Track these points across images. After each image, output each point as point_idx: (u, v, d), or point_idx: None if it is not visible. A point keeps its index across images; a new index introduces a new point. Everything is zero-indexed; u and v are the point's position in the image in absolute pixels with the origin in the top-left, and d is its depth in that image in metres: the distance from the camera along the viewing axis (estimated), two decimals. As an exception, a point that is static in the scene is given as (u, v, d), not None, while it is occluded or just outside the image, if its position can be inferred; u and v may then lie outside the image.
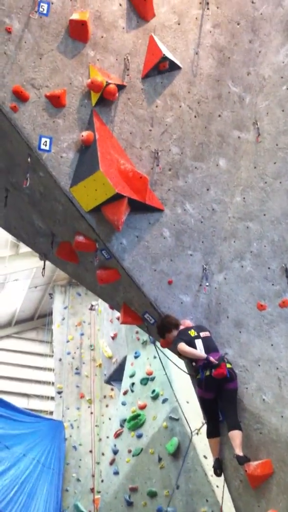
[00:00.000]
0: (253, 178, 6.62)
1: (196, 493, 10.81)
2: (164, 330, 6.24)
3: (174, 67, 6.81)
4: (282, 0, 7.08)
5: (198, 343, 5.93)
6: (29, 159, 6.16)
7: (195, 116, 6.79)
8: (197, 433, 6.96)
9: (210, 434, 6.04)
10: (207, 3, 7.08)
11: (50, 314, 22.45)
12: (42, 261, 7.80)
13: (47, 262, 7.85)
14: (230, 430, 5.64)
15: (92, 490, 16.65)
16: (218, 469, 5.90)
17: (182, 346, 5.87)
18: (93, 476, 16.63)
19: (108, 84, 6.36)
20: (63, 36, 6.52)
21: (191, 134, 6.73)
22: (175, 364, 7.21)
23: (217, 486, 10.13)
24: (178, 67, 6.84)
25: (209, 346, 5.94)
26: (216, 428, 5.98)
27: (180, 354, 6.08)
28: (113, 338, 16.10)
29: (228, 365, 5.78)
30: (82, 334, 20.45)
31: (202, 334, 6.02)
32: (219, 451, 5.96)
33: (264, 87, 6.92)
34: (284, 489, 5.33)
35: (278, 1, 7.10)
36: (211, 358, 5.72)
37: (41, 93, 6.25)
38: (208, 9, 7.07)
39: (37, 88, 6.25)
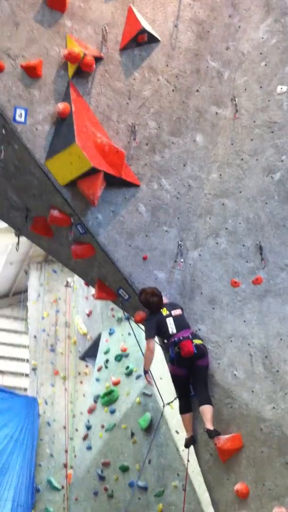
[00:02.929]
0: (230, 155, 6.60)
1: (168, 467, 10.97)
2: (143, 304, 6.21)
3: (152, 39, 6.71)
4: (263, -25, 7.00)
5: (170, 321, 5.98)
6: (3, 131, 6.05)
7: (173, 90, 6.72)
8: (169, 404, 7.03)
9: (182, 410, 6.10)
10: (187, -24, 6.98)
11: (25, 291, 22.28)
12: (17, 237, 7.72)
13: (23, 238, 7.77)
14: (201, 404, 5.70)
15: (65, 465, 16.74)
16: (188, 446, 6.07)
17: (149, 349, 6.02)
18: (66, 451, 16.70)
19: (85, 55, 6.24)
20: (40, 5, 6.37)
21: (169, 109, 6.67)
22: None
23: (188, 461, 10.28)
24: (157, 40, 6.74)
25: (180, 324, 5.98)
26: (188, 404, 6.05)
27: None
28: (88, 315, 16.11)
29: (199, 341, 5.81)
30: (57, 311, 20.37)
31: (173, 312, 6.06)
32: (192, 428, 6.02)
33: (242, 63, 6.86)
34: (253, 462, 5.42)
35: (259, -24, 7.02)
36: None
37: (17, 63, 6.11)
38: (188, -19, 6.97)
39: (13, 58, 6.11)
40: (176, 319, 6.00)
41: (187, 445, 6.10)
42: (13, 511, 15.40)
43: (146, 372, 6.17)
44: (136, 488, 11.48)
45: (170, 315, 6.02)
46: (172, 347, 5.85)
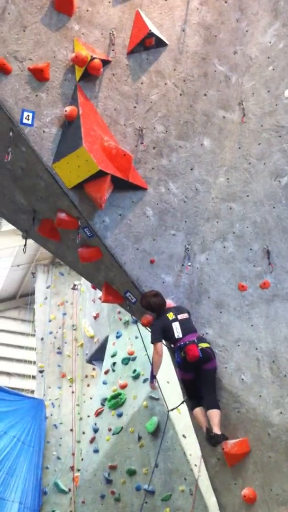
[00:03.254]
0: (237, 159, 6.59)
1: (175, 471, 10.93)
2: (146, 308, 6.23)
3: (160, 43, 6.72)
4: (271, -22, 6.99)
5: (176, 325, 5.96)
6: (10, 133, 6.06)
7: (181, 94, 6.72)
8: (176, 409, 6.99)
9: (194, 406, 5.96)
10: (195, -20, 6.97)
11: (33, 293, 22.32)
12: (25, 240, 7.73)
13: (30, 241, 7.78)
14: (209, 409, 5.68)
15: (72, 468, 16.73)
16: (210, 439, 5.64)
17: (156, 353, 5.97)
18: (73, 454, 16.70)
19: (92, 58, 6.26)
20: (48, 9, 6.39)
21: (176, 113, 6.67)
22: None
23: (195, 465, 10.25)
24: (164, 44, 6.75)
25: (187, 328, 5.96)
26: (199, 400, 5.92)
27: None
28: (95, 318, 16.09)
29: (205, 345, 5.79)
30: (64, 314, 20.39)
31: (179, 316, 6.03)
32: (207, 421, 5.82)
33: (250, 67, 6.86)
34: (260, 467, 5.40)
35: (266, -20, 7.01)
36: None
37: (24, 66, 6.13)
38: (195, -15, 6.97)
39: (20, 60, 6.13)
40: (182, 323, 5.98)
41: (214, 442, 5.62)
42: (20, 513, 15.40)
43: (153, 376, 6.08)
44: (143, 492, 11.47)
45: (176, 319, 5.99)
46: (178, 352, 5.83)
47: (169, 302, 6.27)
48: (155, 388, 6.16)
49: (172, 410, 6.82)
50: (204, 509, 10.21)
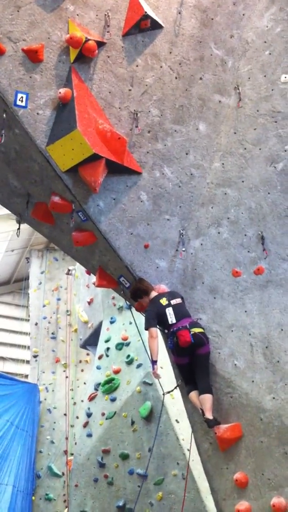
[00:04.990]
0: (233, 144, 6.55)
1: (168, 456, 11.01)
2: (136, 296, 6.23)
3: (156, 26, 6.63)
4: None
5: (169, 311, 5.94)
6: (4, 115, 6.00)
7: (176, 78, 6.65)
8: (170, 393, 6.98)
9: (190, 390, 5.93)
10: None
11: (27, 278, 22.34)
12: (18, 224, 7.68)
13: (24, 225, 7.73)
14: (201, 393, 5.68)
15: (65, 452, 16.85)
16: (211, 425, 5.60)
17: (151, 337, 5.91)
18: (66, 438, 16.81)
19: (87, 40, 6.17)
20: (42, -11, 6.29)
21: (172, 96, 6.60)
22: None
23: (188, 450, 10.31)
24: (160, 26, 6.66)
25: (180, 312, 5.94)
26: (195, 384, 5.89)
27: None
28: (89, 303, 16.10)
29: (198, 330, 5.78)
30: (58, 299, 20.42)
31: (173, 301, 6.00)
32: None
33: (247, 51, 6.80)
34: (252, 452, 5.42)
35: None
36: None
37: (18, 47, 6.04)
38: None
39: (14, 41, 6.04)
40: (176, 308, 5.95)
41: (211, 424, 5.58)
42: (13, 497, 15.51)
43: (154, 362, 5.89)
44: (136, 476, 11.55)
45: (169, 304, 5.97)
46: (171, 337, 5.82)
47: (163, 288, 6.26)
48: (158, 376, 6.00)
49: (168, 392, 6.77)
50: (196, 493, 10.29)
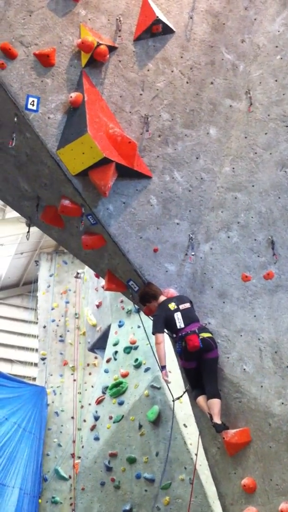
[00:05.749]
0: (243, 148, 6.54)
1: (175, 460, 10.99)
2: (144, 300, 6.23)
3: (167, 30, 6.64)
4: None
5: (178, 316, 5.93)
6: (15, 119, 6.03)
7: (187, 82, 6.66)
8: (179, 399, 6.97)
9: (198, 395, 5.91)
10: None
11: (36, 281, 22.37)
12: (28, 227, 7.70)
13: (34, 229, 7.76)
14: (210, 398, 5.67)
15: (72, 455, 16.85)
16: (219, 429, 5.58)
17: (157, 343, 5.93)
18: (74, 441, 16.82)
19: (99, 44, 6.19)
20: (54, -6, 6.32)
21: (182, 101, 6.61)
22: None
23: (196, 455, 10.29)
24: (172, 31, 6.68)
25: (189, 317, 5.93)
26: (202, 389, 5.88)
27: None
28: (97, 306, 16.11)
29: (207, 335, 5.77)
30: (67, 302, 20.45)
31: (181, 306, 6.00)
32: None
33: (258, 55, 6.80)
34: (260, 457, 5.40)
35: None
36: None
37: (30, 51, 6.08)
38: (204, -28, 6.88)
39: (26, 46, 6.08)
40: (184, 313, 5.95)
41: (219, 429, 5.58)
42: (20, 499, 15.52)
43: (163, 367, 5.91)
44: (143, 480, 11.53)
45: (178, 309, 5.96)
46: (179, 342, 5.81)
47: (172, 292, 6.26)
48: (168, 381, 5.97)
49: (177, 399, 6.76)
50: (203, 498, 10.26)
